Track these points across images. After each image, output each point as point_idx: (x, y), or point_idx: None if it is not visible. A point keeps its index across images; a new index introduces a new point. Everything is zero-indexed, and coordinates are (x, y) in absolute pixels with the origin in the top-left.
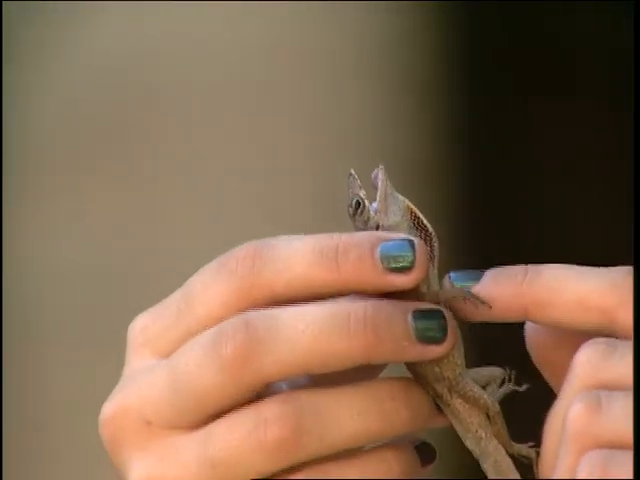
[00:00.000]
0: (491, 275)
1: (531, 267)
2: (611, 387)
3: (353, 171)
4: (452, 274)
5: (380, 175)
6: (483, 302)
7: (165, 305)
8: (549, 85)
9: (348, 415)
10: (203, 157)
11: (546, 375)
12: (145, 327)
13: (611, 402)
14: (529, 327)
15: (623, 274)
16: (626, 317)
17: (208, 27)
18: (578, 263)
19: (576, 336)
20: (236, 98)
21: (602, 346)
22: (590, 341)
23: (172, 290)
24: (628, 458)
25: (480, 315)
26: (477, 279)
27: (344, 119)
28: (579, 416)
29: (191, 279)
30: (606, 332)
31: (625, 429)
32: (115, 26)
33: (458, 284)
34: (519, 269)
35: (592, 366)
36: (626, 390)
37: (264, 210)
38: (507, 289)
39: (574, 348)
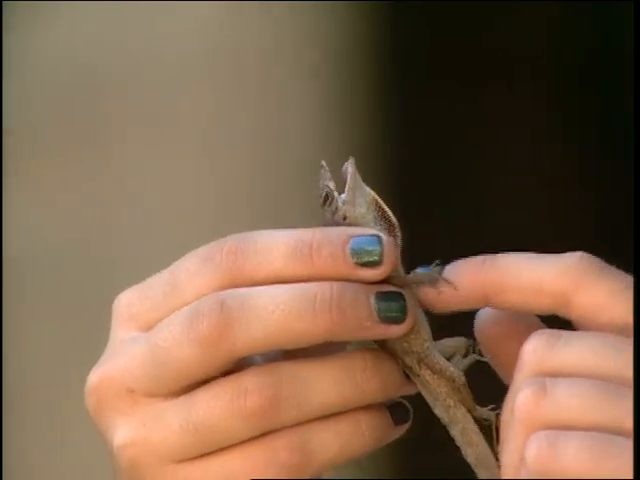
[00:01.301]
0: (452, 266)
1: (488, 256)
2: (555, 374)
3: (324, 163)
4: (418, 268)
5: (349, 168)
6: (449, 282)
7: (149, 285)
8: (479, 82)
9: (323, 385)
10: (179, 144)
11: (496, 364)
12: (130, 304)
13: (555, 387)
14: (479, 320)
15: (576, 258)
16: (579, 299)
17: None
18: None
19: (523, 328)
20: (203, 85)
21: (546, 336)
22: (536, 332)
23: (144, 272)
24: (573, 437)
25: (445, 302)
26: (436, 267)
27: (287, 117)
28: (526, 401)
29: (177, 265)
30: (562, 314)
31: (568, 412)
32: (86, 18)
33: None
34: (477, 259)
35: (537, 355)
36: (569, 376)
37: (236, 194)
38: (467, 278)
39: (522, 339)
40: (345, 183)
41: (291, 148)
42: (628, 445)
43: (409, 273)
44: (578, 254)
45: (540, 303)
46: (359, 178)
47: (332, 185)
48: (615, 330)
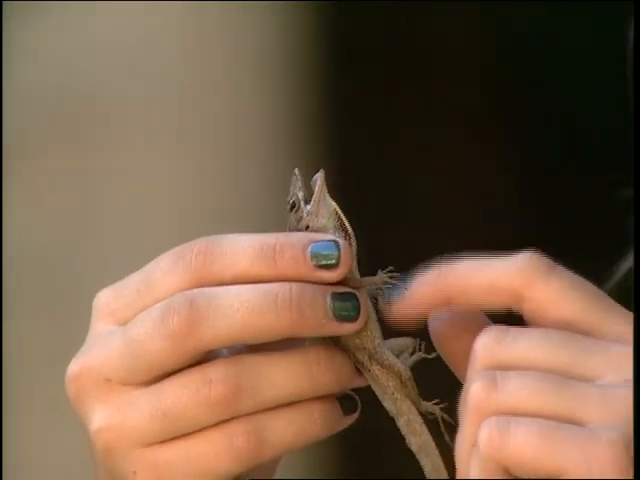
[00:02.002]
0: (417, 276)
1: (448, 263)
2: (505, 367)
3: (297, 171)
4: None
5: (318, 181)
6: (398, 283)
7: (125, 285)
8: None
9: (281, 377)
10: (155, 149)
11: (449, 362)
12: (109, 301)
13: (505, 380)
14: (432, 322)
15: (526, 258)
16: (531, 295)
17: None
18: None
19: (474, 326)
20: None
21: (495, 332)
22: (486, 329)
23: (113, 271)
24: (522, 423)
25: (409, 308)
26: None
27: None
28: (477, 392)
29: (151, 265)
30: (516, 310)
31: (517, 402)
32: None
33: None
34: (437, 267)
35: (487, 350)
36: (517, 369)
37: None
38: (429, 283)
39: (473, 337)
40: (313, 193)
41: (247, 149)
42: (574, 431)
43: (363, 277)
44: (529, 254)
45: (497, 300)
46: (325, 190)
47: (301, 195)
48: (562, 324)
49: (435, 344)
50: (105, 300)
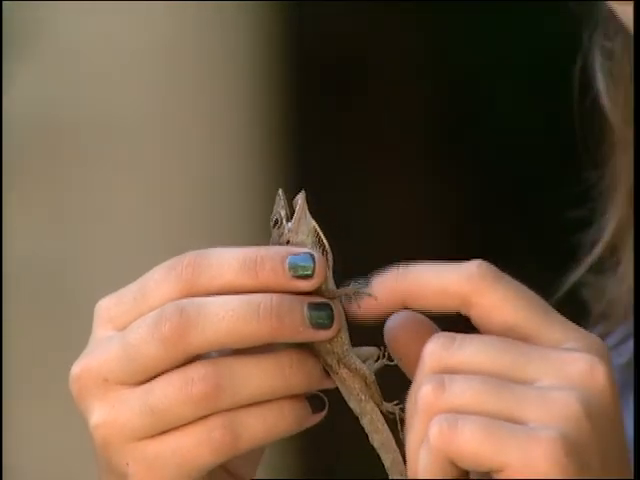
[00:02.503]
0: (374, 280)
1: (403, 268)
2: (451, 371)
3: (281, 192)
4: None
5: (300, 201)
6: (369, 294)
7: (123, 294)
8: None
9: (257, 377)
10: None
11: (401, 364)
12: (108, 308)
13: (451, 383)
14: (388, 328)
15: (475, 266)
16: (478, 301)
17: None
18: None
19: (424, 333)
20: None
21: (443, 339)
22: (435, 335)
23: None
24: (469, 420)
25: (370, 311)
26: (361, 282)
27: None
28: (427, 394)
29: (146, 276)
30: (465, 314)
31: (462, 402)
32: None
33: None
34: (393, 271)
35: (435, 355)
36: (463, 373)
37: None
38: (387, 288)
39: (423, 343)
40: (294, 212)
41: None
42: (514, 430)
43: (338, 287)
44: (477, 262)
45: (447, 304)
46: (306, 209)
47: (283, 213)
48: (505, 329)
49: (390, 350)
50: (105, 307)
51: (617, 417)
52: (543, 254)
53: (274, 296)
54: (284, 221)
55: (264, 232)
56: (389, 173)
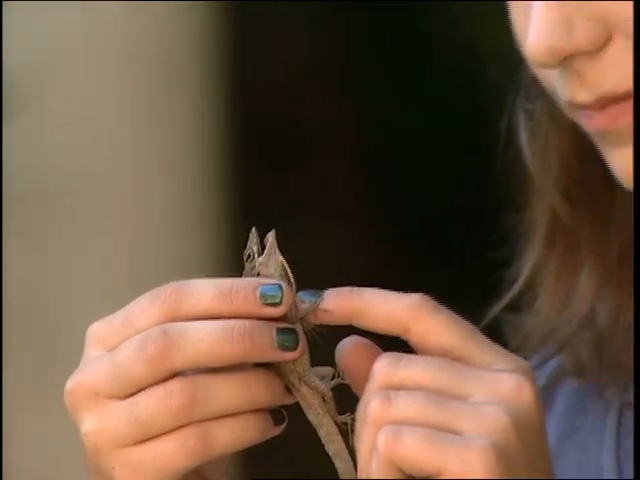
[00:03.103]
0: (331, 293)
1: (355, 288)
2: (397, 387)
3: (254, 230)
4: (300, 293)
5: (270, 239)
6: (325, 310)
7: (112, 318)
8: None
9: (227, 392)
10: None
11: (351, 382)
12: (99, 330)
13: (397, 398)
14: (339, 351)
15: (416, 297)
16: (417, 328)
17: None
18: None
19: (371, 354)
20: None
21: (389, 359)
22: (383, 355)
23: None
24: (412, 430)
25: (323, 320)
26: (318, 295)
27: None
28: (375, 407)
29: (133, 303)
30: (405, 338)
31: (406, 415)
32: None
33: (306, 299)
34: (348, 289)
35: (383, 373)
36: (407, 389)
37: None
38: (339, 303)
39: (369, 363)
40: (265, 247)
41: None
42: (451, 439)
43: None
44: (419, 295)
45: (389, 328)
46: (275, 246)
47: (255, 248)
48: (442, 353)
49: (340, 367)
50: (96, 330)
51: (541, 429)
52: (468, 290)
53: (246, 322)
54: (256, 256)
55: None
56: (327, 217)
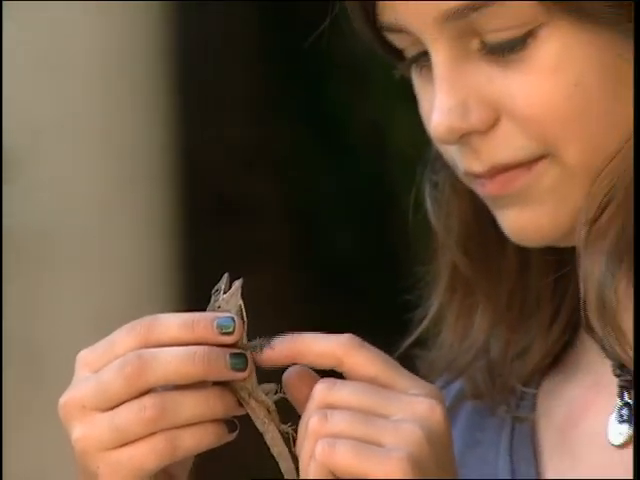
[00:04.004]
0: (277, 340)
1: (296, 334)
2: (332, 407)
3: (226, 275)
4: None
5: (237, 283)
6: (272, 348)
7: (97, 346)
8: None
9: (190, 405)
10: None
11: (294, 402)
12: (86, 356)
13: (332, 415)
14: (285, 377)
15: (346, 337)
16: (347, 361)
17: None
18: None
19: (310, 381)
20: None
21: (326, 384)
22: (321, 380)
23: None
24: (344, 442)
25: (271, 362)
26: (268, 343)
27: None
28: (314, 422)
29: (114, 333)
30: (338, 370)
31: (339, 429)
32: None
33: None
34: (289, 336)
35: (321, 395)
36: (339, 409)
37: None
38: (284, 347)
39: (308, 386)
40: (230, 288)
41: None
42: (375, 450)
43: (250, 341)
44: (348, 335)
45: (325, 363)
46: (239, 290)
47: (223, 287)
48: (368, 380)
49: (286, 390)
50: (84, 356)
51: (449, 442)
52: (386, 327)
53: (206, 348)
54: (221, 293)
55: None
56: (260, 268)
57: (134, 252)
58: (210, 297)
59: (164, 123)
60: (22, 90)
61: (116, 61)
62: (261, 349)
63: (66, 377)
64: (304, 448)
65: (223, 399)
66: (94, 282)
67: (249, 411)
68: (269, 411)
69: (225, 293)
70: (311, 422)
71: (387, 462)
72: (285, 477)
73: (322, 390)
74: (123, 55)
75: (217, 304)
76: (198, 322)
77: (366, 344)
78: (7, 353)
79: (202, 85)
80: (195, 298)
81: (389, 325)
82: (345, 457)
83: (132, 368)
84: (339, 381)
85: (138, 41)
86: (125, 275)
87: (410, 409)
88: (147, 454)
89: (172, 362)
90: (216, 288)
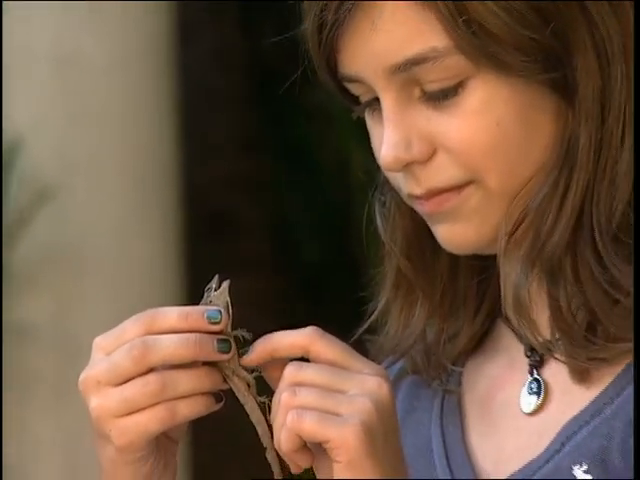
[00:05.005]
0: (257, 343)
1: (268, 335)
2: (299, 384)
3: (217, 276)
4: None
5: (225, 284)
6: (252, 352)
7: (110, 333)
8: None
9: (185, 381)
10: None
11: (269, 381)
12: (101, 341)
13: (300, 391)
14: (265, 366)
15: (309, 329)
16: (312, 349)
17: None
18: None
19: (282, 363)
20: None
21: (294, 366)
22: (290, 363)
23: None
24: (310, 413)
25: (253, 363)
26: (250, 348)
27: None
28: (285, 397)
29: (123, 322)
30: (307, 357)
31: (305, 402)
32: None
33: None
34: (267, 336)
35: (291, 374)
36: (306, 386)
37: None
38: (260, 346)
39: (282, 368)
40: (219, 287)
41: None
42: (334, 419)
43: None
44: (311, 327)
45: (295, 353)
46: (226, 289)
47: (214, 286)
48: (329, 363)
49: (261, 370)
50: (99, 341)
51: (394, 411)
52: (344, 318)
53: (197, 335)
54: (212, 291)
55: None
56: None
57: (145, 261)
58: (203, 294)
59: (171, 162)
60: (60, 135)
61: (132, 120)
62: (242, 338)
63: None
64: (277, 418)
65: (211, 376)
66: (114, 285)
67: (232, 386)
68: (249, 386)
69: (215, 291)
70: (283, 397)
71: (344, 429)
72: (261, 440)
73: (291, 371)
74: (138, 114)
75: (209, 299)
76: (192, 314)
77: (327, 334)
78: (48, 340)
79: (201, 129)
80: (192, 296)
81: (348, 316)
82: (310, 425)
83: (138, 351)
84: (305, 364)
85: (150, 96)
86: (138, 279)
87: (362, 385)
88: (150, 420)
89: (170, 346)
90: (208, 287)
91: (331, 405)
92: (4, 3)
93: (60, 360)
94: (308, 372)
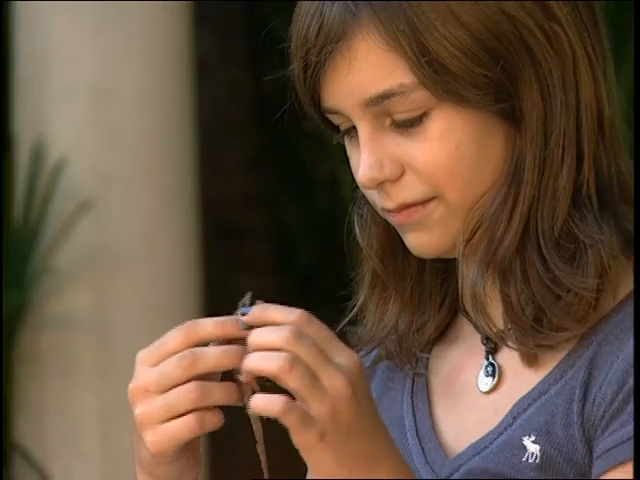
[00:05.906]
0: (255, 308)
1: (265, 305)
2: (304, 335)
3: (250, 293)
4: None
5: (257, 302)
6: (248, 315)
7: (152, 345)
8: None
9: (218, 391)
10: None
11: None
12: (144, 354)
13: (303, 338)
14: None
15: (299, 311)
16: (302, 328)
17: None
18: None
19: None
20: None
21: (307, 316)
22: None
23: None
24: (300, 368)
25: (248, 322)
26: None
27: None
28: (291, 331)
29: (165, 335)
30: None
31: (301, 350)
32: None
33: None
34: (260, 306)
35: (301, 320)
36: (309, 338)
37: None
38: (256, 315)
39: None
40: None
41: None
42: (320, 393)
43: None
44: (301, 310)
45: (286, 324)
46: (257, 305)
47: (247, 301)
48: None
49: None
50: (142, 356)
51: (367, 388)
52: (330, 311)
53: (234, 347)
54: (247, 307)
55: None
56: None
57: (169, 262)
58: (236, 308)
59: (190, 179)
60: (98, 156)
61: (157, 143)
62: (243, 305)
63: (125, 344)
64: (275, 330)
65: (237, 390)
66: (143, 282)
67: (244, 397)
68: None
69: (244, 307)
70: (290, 329)
71: (324, 401)
72: (255, 434)
73: (303, 318)
74: (163, 138)
75: (239, 312)
76: (227, 322)
77: (313, 317)
78: (87, 328)
79: (216, 151)
80: (206, 289)
81: (334, 310)
82: (295, 380)
83: (189, 360)
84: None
85: (173, 123)
86: (163, 276)
87: (341, 357)
88: (183, 427)
89: (213, 356)
90: (243, 300)
91: (318, 366)
92: (50, 45)
93: (98, 345)
94: (315, 326)
